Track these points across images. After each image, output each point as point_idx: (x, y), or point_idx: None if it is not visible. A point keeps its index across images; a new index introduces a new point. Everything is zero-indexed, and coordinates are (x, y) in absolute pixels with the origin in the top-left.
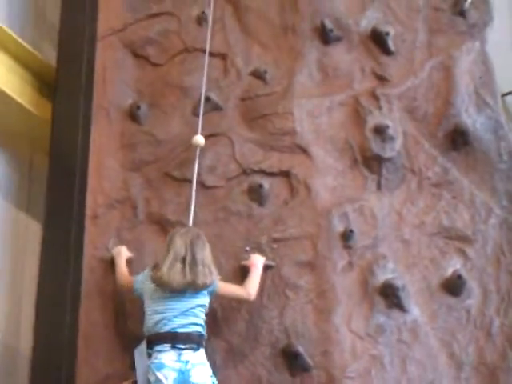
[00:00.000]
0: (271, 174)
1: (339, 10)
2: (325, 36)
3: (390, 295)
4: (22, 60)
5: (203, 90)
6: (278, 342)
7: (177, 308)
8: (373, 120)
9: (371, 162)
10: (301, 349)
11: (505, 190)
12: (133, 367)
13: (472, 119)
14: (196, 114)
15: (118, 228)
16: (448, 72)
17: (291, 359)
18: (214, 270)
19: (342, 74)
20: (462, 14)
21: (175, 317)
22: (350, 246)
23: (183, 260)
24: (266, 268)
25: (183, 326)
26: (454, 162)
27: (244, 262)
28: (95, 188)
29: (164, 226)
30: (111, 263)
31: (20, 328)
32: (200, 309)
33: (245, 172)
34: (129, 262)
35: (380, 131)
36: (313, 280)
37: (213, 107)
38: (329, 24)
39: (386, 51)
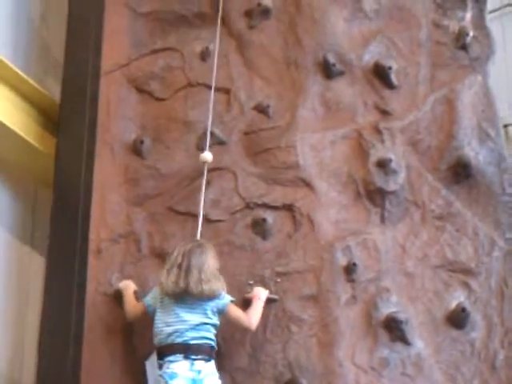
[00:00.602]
0: (274, 208)
1: (342, 44)
2: (327, 70)
3: (394, 328)
4: (26, 95)
5: (210, 117)
6: (282, 376)
7: (188, 321)
8: (376, 153)
9: (374, 196)
10: (304, 383)
11: (508, 222)
12: (144, 380)
13: (475, 152)
14: (200, 148)
15: (121, 262)
16: (450, 105)
17: None
18: (219, 284)
19: (344, 107)
20: (464, 47)
21: (187, 330)
22: (353, 280)
23: (179, 266)
24: (270, 302)
25: (195, 338)
26: (457, 194)
27: (247, 295)
28: (98, 222)
29: None
30: (114, 298)
31: (23, 362)
32: (210, 327)
33: (248, 206)
34: (135, 295)
35: (383, 165)
36: (316, 313)
37: (216, 141)
38: (331, 58)
39: (389, 85)
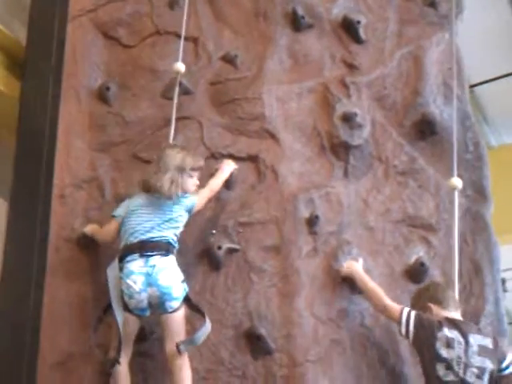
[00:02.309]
0: (239, 159)
1: None
2: (296, 23)
3: (353, 281)
4: None
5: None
6: (241, 325)
7: (151, 221)
8: (341, 107)
9: (339, 149)
10: (263, 332)
11: (470, 179)
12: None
13: (439, 109)
14: (166, 97)
15: (84, 208)
16: (417, 62)
17: (254, 342)
18: (189, 188)
19: (312, 61)
20: (432, 5)
21: (147, 230)
22: (315, 232)
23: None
24: (231, 251)
25: (153, 237)
26: (421, 151)
27: (215, 167)
28: (62, 168)
29: None
30: (77, 243)
31: None
32: (172, 223)
33: (213, 156)
34: None
35: (348, 119)
36: (277, 264)
37: (183, 91)
38: (300, 11)
39: (357, 40)
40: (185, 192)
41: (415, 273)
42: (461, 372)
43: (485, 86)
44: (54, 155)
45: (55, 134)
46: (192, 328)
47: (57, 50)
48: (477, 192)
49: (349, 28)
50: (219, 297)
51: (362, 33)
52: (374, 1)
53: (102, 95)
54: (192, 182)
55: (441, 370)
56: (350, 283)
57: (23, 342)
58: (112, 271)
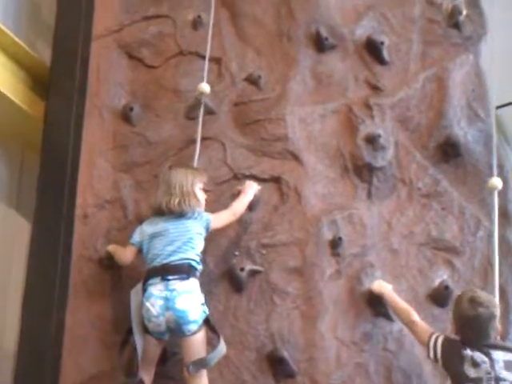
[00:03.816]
0: (262, 180)
1: (335, 18)
2: (320, 44)
3: (377, 304)
4: (16, 57)
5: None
6: (264, 348)
7: (171, 245)
8: (365, 129)
9: (362, 171)
10: (286, 355)
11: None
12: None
13: (463, 131)
14: (189, 118)
15: (107, 228)
16: (441, 84)
17: (276, 365)
18: (194, 202)
19: (335, 82)
20: (456, 26)
21: (168, 252)
22: (338, 254)
23: (161, 186)
24: (254, 273)
25: (175, 260)
26: (445, 173)
27: (237, 188)
28: (85, 188)
29: None
30: (99, 263)
31: (6, 326)
32: (193, 242)
33: (236, 177)
34: None
35: (372, 140)
36: (300, 286)
37: (206, 111)
38: (324, 32)
39: (381, 61)
40: (195, 206)
41: (439, 296)
42: None
43: (508, 108)
44: (78, 175)
45: (79, 153)
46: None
47: (81, 70)
48: (501, 216)
49: (372, 49)
50: (241, 319)
51: (385, 54)
52: (398, 22)
53: (125, 115)
54: (200, 194)
55: None
56: (373, 306)
57: (45, 362)
58: (135, 294)
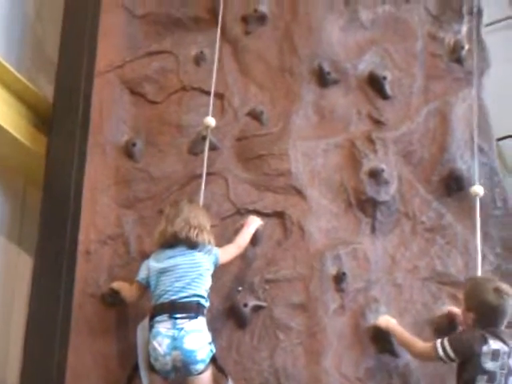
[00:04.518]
0: (265, 215)
1: (337, 53)
2: (322, 79)
3: (382, 339)
4: (18, 93)
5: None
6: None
7: (178, 279)
8: (368, 163)
9: (365, 205)
10: None
11: (498, 236)
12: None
13: (467, 165)
14: (192, 153)
15: (109, 265)
16: (444, 118)
17: None
18: (208, 236)
19: (338, 116)
20: (459, 60)
21: (177, 289)
22: (342, 289)
23: (167, 217)
24: (258, 309)
25: (184, 297)
26: (449, 207)
27: (241, 223)
28: (88, 223)
29: None
30: (102, 300)
31: (8, 362)
32: (202, 279)
33: (239, 212)
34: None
35: (375, 175)
36: (304, 322)
37: (209, 146)
38: (326, 67)
39: (383, 95)
40: (210, 241)
41: (445, 331)
42: (502, 382)
43: (509, 140)
44: (80, 211)
45: (81, 189)
46: None
47: (83, 106)
48: (506, 249)
49: (375, 84)
50: (245, 355)
51: (388, 88)
52: (400, 56)
53: (128, 151)
54: (207, 231)
55: (481, 381)
56: (378, 342)
57: None
58: (142, 331)
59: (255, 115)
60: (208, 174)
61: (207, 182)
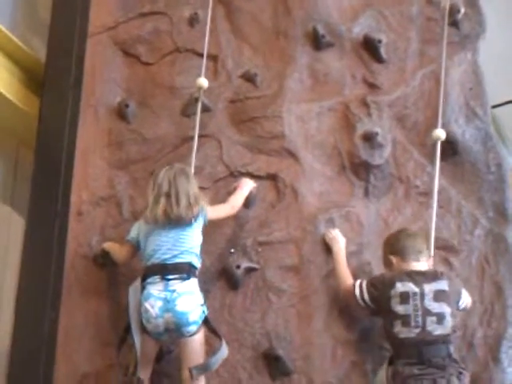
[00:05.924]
0: (258, 177)
1: (332, 16)
2: (317, 41)
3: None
4: (11, 54)
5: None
6: (260, 346)
7: (169, 240)
8: (362, 127)
9: (359, 169)
10: (282, 353)
11: (491, 201)
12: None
13: (461, 129)
14: (185, 115)
15: (102, 225)
16: (439, 82)
17: (272, 363)
18: (201, 200)
19: (332, 79)
20: (454, 24)
21: (168, 249)
22: None
23: (167, 195)
24: (250, 271)
25: (174, 256)
26: (442, 171)
27: (234, 185)
28: (80, 185)
29: None
30: (94, 261)
31: None
32: (193, 239)
33: (232, 174)
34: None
35: (369, 138)
36: (296, 284)
37: (202, 108)
38: (321, 29)
39: (378, 59)
40: (204, 205)
41: None
42: (420, 323)
43: (505, 107)
44: (72, 172)
45: (73, 151)
46: (211, 349)
47: (76, 68)
48: (498, 214)
49: (370, 47)
50: (237, 317)
51: (383, 52)
52: (396, 20)
53: (120, 112)
54: (192, 185)
55: (397, 326)
56: None
57: (39, 360)
58: (134, 292)
59: (249, 77)
60: (201, 136)
61: (200, 144)
